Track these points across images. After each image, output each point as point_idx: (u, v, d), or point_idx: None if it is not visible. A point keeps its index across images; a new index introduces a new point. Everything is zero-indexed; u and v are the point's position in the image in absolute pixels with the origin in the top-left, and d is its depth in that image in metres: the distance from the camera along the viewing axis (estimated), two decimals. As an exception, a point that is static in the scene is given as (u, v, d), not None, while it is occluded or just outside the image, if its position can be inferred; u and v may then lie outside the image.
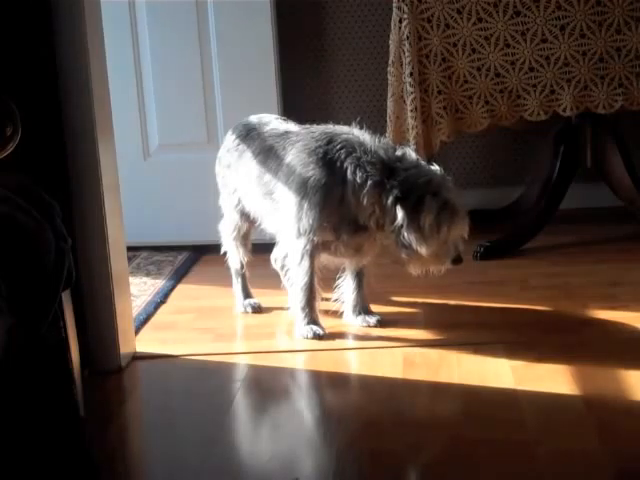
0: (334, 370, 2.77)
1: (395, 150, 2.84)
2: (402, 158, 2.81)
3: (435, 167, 2.83)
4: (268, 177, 2.95)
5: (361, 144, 2.82)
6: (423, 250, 2.76)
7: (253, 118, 3.14)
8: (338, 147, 2.83)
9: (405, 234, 2.75)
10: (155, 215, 3.92)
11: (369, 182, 2.77)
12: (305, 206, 2.83)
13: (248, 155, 3.04)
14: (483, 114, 3.52)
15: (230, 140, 3.13)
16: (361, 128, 2.90)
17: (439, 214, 2.75)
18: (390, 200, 2.76)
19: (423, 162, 2.85)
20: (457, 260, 2.83)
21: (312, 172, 2.84)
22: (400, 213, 2.75)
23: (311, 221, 2.84)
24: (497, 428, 2.30)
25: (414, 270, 2.87)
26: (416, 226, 2.75)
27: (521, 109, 3.51)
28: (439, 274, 2.87)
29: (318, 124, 2.97)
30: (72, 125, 2.65)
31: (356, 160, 2.80)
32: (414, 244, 2.75)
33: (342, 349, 2.89)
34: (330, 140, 2.85)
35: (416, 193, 2.75)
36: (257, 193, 3.01)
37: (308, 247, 2.88)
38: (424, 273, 2.88)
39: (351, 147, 2.82)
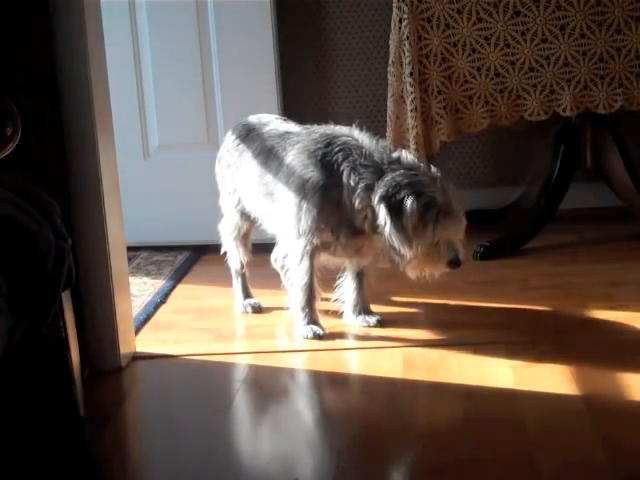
0: (334, 370, 2.77)
1: (392, 152, 2.83)
2: (397, 160, 2.80)
3: (433, 169, 2.81)
4: (269, 177, 2.95)
5: (358, 147, 2.82)
6: (407, 252, 2.73)
7: (253, 118, 3.14)
8: (336, 150, 2.83)
9: (388, 235, 2.74)
10: (155, 215, 3.92)
11: (360, 185, 2.77)
12: (304, 207, 2.83)
13: (248, 155, 3.04)
14: (483, 114, 3.52)
15: (230, 140, 3.13)
16: (361, 130, 2.89)
17: (423, 214, 2.71)
18: (375, 201, 2.75)
19: (419, 164, 2.81)
20: (453, 263, 2.77)
21: (311, 174, 2.84)
22: (382, 213, 2.73)
23: (310, 222, 2.83)
24: (497, 429, 2.30)
25: (411, 273, 2.83)
26: (399, 227, 2.72)
27: (521, 109, 3.51)
28: (437, 276, 2.83)
29: (319, 124, 2.97)
30: (72, 125, 2.65)
31: (352, 163, 2.79)
32: (396, 245, 2.73)
33: (342, 349, 2.89)
34: (329, 142, 2.85)
35: (400, 193, 2.72)
36: (258, 193, 3.01)
37: (308, 248, 2.88)
38: (421, 276, 2.84)
39: (349, 150, 2.82)
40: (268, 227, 3.06)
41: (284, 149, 2.93)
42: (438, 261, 2.78)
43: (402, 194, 2.72)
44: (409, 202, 2.71)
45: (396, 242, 2.73)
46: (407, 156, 2.82)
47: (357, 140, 2.84)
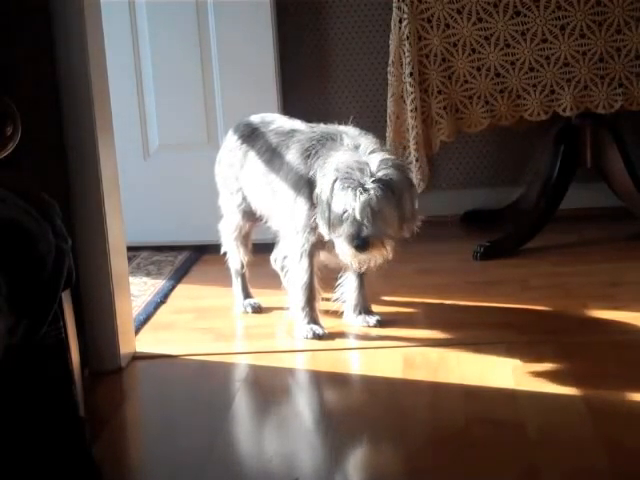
0: (334, 370, 2.77)
1: (361, 139, 2.80)
2: (357, 146, 2.77)
3: (387, 153, 2.75)
4: (273, 176, 2.95)
5: (336, 139, 2.81)
6: (325, 232, 2.72)
7: (255, 117, 3.13)
8: (325, 146, 2.83)
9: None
10: (155, 215, 3.92)
11: (320, 173, 2.78)
12: (299, 204, 2.84)
13: (253, 154, 3.03)
14: (483, 114, 3.51)
15: (232, 140, 3.12)
16: (355, 126, 2.88)
17: (329, 189, 2.68)
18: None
19: (372, 145, 2.75)
20: (352, 240, 2.63)
21: (304, 171, 2.84)
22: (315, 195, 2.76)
23: (304, 219, 2.84)
24: (497, 429, 2.30)
25: (345, 260, 2.76)
26: (321, 208, 2.73)
27: (521, 109, 3.51)
28: (380, 267, 2.74)
29: (325, 123, 2.96)
30: (72, 125, 2.65)
31: (324, 155, 2.80)
32: (320, 227, 2.74)
33: (342, 349, 2.89)
34: (322, 139, 2.85)
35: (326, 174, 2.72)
36: (264, 191, 3.00)
37: (306, 246, 2.87)
38: (361, 267, 2.76)
39: (331, 144, 2.81)
40: (274, 225, 3.05)
41: (287, 147, 2.93)
42: (344, 244, 2.67)
43: (324, 174, 2.72)
44: (319, 179, 2.72)
45: (319, 223, 2.73)
46: (369, 142, 2.78)
47: (347, 134, 2.83)
